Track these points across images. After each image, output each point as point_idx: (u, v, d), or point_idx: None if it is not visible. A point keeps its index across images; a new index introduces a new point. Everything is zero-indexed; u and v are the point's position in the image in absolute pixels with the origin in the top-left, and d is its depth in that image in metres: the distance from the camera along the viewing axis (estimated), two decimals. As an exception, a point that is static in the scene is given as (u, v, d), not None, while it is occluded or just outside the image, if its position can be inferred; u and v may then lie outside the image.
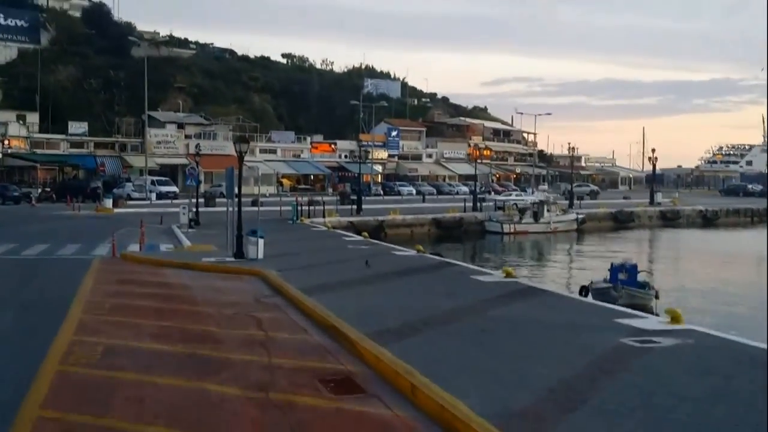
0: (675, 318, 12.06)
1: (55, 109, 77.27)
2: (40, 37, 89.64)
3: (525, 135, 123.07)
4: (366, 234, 32.39)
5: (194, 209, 36.95)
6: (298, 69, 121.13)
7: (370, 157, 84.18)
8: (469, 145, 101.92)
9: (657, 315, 16.97)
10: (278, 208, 42.05)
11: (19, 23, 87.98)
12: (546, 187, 64.69)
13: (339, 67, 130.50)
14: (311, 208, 44.11)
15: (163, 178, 70.36)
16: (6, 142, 71.62)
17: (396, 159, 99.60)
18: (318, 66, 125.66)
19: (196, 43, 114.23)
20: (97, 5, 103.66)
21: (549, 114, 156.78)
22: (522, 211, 50.34)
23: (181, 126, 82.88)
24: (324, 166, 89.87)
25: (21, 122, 74.83)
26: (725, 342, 10.78)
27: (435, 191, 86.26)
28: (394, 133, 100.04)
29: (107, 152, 76.87)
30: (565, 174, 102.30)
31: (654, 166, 76.86)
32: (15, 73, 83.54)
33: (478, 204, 55.08)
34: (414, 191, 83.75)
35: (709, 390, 8.27)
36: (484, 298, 14.85)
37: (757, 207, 68.01)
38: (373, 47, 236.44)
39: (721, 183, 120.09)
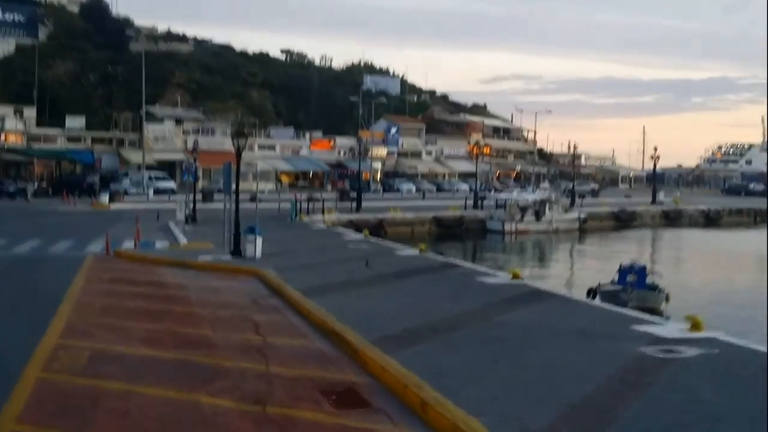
0: (696, 325, 11.41)
1: (52, 104, 76.46)
2: (38, 31, 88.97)
3: (525, 133, 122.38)
4: (367, 232, 31.74)
5: (191, 205, 36.35)
6: (297, 65, 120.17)
7: (369, 154, 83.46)
8: (469, 143, 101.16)
9: (668, 318, 16.38)
10: (277, 205, 41.38)
11: (17, 18, 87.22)
12: (548, 185, 64.05)
13: (338, 63, 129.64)
14: (310, 205, 43.43)
15: (161, 174, 69.66)
16: (2, 136, 70.87)
17: (395, 156, 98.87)
18: (317, 62, 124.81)
19: (195, 38, 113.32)
20: (95, 0, 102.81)
21: (550, 111, 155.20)
22: (523, 210, 49.71)
23: (179, 121, 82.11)
24: (323, 163, 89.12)
25: (18, 116, 74.07)
26: (752, 353, 10.11)
27: (435, 189, 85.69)
28: (393, 130, 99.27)
29: (105, 147, 76.11)
30: (565, 172, 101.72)
31: (655, 164, 76.14)
32: (12, 68, 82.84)
33: (479, 202, 54.43)
34: (414, 188, 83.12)
35: (743, 409, 7.62)
36: (491, 301, 14.20)
37: (760, 207, 67.27)
38: (372, 44, 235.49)
39: (722, 182, 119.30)
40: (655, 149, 74.00)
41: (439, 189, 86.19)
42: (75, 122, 75.66)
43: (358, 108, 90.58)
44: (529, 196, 52.59)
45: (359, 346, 10.10)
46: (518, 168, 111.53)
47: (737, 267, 37.15)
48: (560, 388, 8.11)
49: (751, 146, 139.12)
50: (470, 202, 53.82)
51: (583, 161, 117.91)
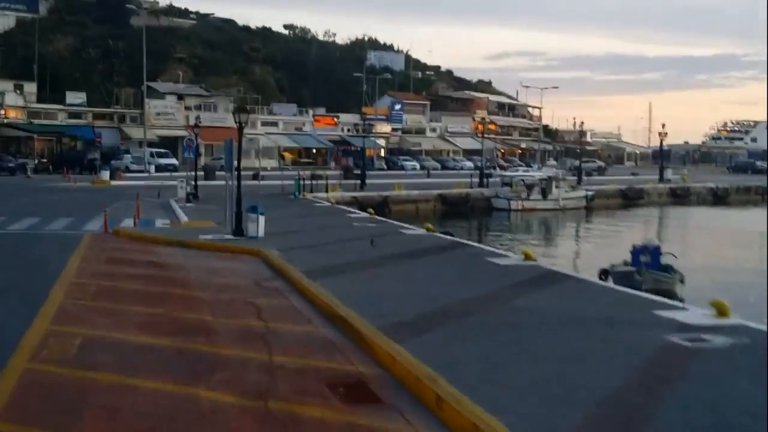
0: (721, 311, 10.79)
1: (53, 79, 75.65)
2: (39, 6, 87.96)
3: (530, 109, 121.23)
4: (372, 210, 31.12)
5: (193, 183, 35.75)
6: (300, 40, 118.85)
7: (373, 130, 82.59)
8: (474, 120, 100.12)
9: (683, 300, 15.77)
10: (280, 183, 40.71)
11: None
12: (554, 162, 63.27)
13: (341, 39, 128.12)
14: (314, 182, 42.81)
15: (163, 150, 68.96)
16: (2, 112, 70.15)
17: (399, 133, 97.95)
18: (320, 38, 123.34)
19: (197, 13, 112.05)
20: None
21: (556, 87, 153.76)
22: (530, 188, 49.04)
23: (180, 97, 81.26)
24: (326, 140, 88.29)
25: (18, 92, 73.32)
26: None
27: (439, 166, 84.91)
28: (397, 107, 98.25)
29: (106, 123, 75.40)
30: (571, 149, 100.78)
31: (662, 141, 75.27)
32: (13, 43, 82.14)
33: (485, 180, 53.70)
34: (418, 166, 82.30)
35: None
36: (504, 284, 13.58)
37: (769, 185, 66.48)
38: (376, 19, 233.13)
39: (729, 160, 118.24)
40: (663, 126, 73.33)
41: (444, 167, 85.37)
42: (76, 98, 74.83)
43: (361, 84, 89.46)
44: (536, 173, 51.85)
45: (367, 334, 9.50)
46: (523, 145, 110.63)
47: (750, 246, 36.38)
48: (586, 383, 7.50)
49: (756, 123, 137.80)
50: (476, 180, 53.11)
51: (588, 138, 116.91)
